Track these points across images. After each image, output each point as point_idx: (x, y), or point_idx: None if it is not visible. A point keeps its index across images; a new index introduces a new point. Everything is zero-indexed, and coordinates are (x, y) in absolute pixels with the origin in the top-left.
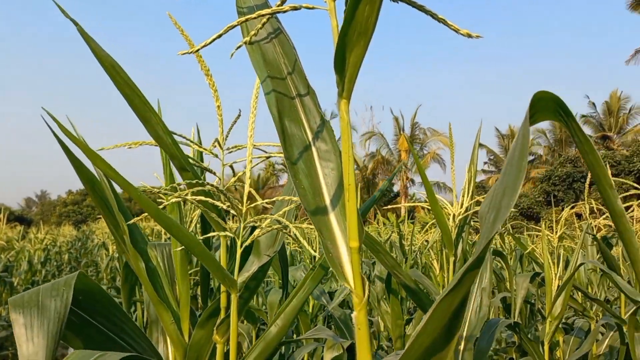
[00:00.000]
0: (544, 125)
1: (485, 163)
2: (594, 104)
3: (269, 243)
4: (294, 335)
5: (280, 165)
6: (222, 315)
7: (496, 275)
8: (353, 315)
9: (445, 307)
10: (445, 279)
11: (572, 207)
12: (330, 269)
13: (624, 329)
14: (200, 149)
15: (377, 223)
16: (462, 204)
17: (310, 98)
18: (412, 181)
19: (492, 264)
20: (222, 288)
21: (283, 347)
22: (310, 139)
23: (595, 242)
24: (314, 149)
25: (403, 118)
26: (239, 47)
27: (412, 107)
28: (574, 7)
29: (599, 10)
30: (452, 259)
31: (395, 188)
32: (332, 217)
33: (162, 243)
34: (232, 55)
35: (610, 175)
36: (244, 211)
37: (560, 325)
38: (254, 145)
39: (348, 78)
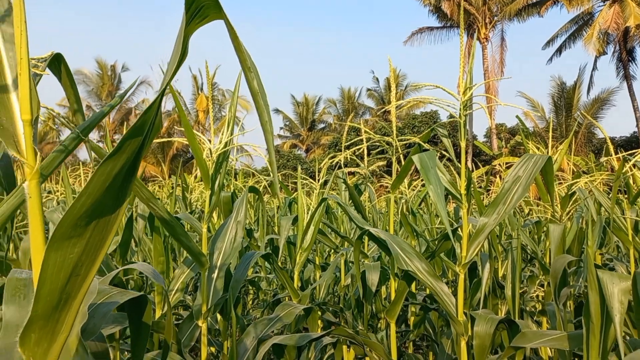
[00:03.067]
0: (335, 95)
1: (281, 128)
2: (377, 79)
3: None
4: None
5: (63, 118)
6: None
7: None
8: (25, 184)
9: (108, 169)
10: (206, 213)
11: (332, 158)
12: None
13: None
14: None
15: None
16: (221, 140)
17: None
18: (210, 142)
19: (247, 200)
20: None
21: None
22: None
23: (346, 188)
24: None
25: (202, 77)
26: None
27: (212, 67)
28: None
29: None
30: (208, 193)
31: None
32: (13, 96)
33: None
34: None
35: (250, 61)
36: None
37: (319, 264)
38: None
39: None
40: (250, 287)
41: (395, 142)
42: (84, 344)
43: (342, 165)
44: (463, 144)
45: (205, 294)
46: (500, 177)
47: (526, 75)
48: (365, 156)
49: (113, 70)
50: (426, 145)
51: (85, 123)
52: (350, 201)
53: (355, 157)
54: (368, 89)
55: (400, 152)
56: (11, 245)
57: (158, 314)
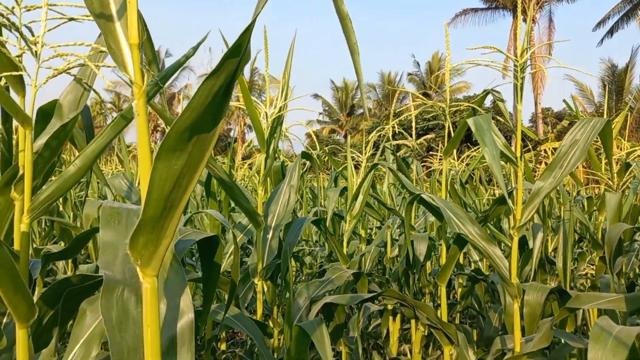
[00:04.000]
0: (374, 80)
1: (320, 114)
2: (418, 63)
3: (71, 107)
4: None
5: (109, 104)
6: (21, 172)
7: (312, 192)
8: (134, 103)
9: (209, 86)
10: (262, 175)
11: (378, 132)
12: None
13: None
14: None
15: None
16: (275, 105)
17: None
18: (250, 127)
19: (300, 167)
20: (20, 146)
21: None
22: None
23: (394, 159)
24: None
25: None
26: None
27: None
28: None
29: None
30: (263, 156)
31: (233, 134)
32: (117, 25)
33: None
34: None
35: (346, 11)
36: (39, 51)
37: (365, 237)
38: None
39: None
40: (293, 264)
41: (448, 108)
42: (177, 258)
43: (390, 138)
44: (520, 106)
45: (260, 252)
46: (545, 164)
47: (575, 58)
48: (414, 127)
49: (157, 55)
50: (480, 110)
51: (164, 72)
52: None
53: (402, 131)
54: (409, 74)
55: (450, 120)
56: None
57: None
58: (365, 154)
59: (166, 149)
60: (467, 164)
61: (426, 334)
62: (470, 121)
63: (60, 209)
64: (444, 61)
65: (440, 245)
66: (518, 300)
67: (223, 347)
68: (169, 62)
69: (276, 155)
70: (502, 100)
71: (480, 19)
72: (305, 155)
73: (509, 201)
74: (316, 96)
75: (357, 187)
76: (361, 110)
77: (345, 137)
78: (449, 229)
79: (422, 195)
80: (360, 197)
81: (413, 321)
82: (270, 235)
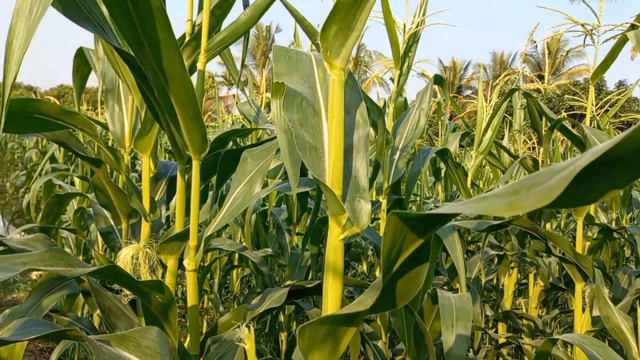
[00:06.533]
0: (485, 60)
1: None
2: (534, 40)
3: None
4: None
5: (220, 77)
6: (187, 38)
7: (431, 138)
8: None
9: None
10: (394, 92)
11: (507, 75)
12: None
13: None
14: None
15: None
16: (413, 21)
17: None
18: None
19: (431, 91)
20: (187, 15)
21: None
22: None
23: (525, 99)
24: None
25: None
26: None
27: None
28: None
29: None
30: (397, 72)
31: None
32: None
33: None
34: None
35: None
36: None
37: (482, 188)
38: None
39: None
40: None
41: (599, 27)
42: (352, 76)
43: (521, 79)
44: None
45: (387, 172)
46: None
47: None
48: (547, 63)
49: (268, 31)
50: (638, 24)
51: None
52: (527, 119)
53: (531, 75)
54: (524, 54)
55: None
56: None
57: None
58: (490, 101)
59: None
60: (607, 110)
61: (545, 289)
62: (630, 34)
63: None
64: (562, 42)
65: None
66: None
67: None
68: (277, 38)
69: (401, 93)
70: None
71: None
72: (438, 78)
73: None
74: (422, 75)
75: (489, 119)
76: (469, 91)
77: (450, 118)
78: None
79: (563, 122)
80: (489, 133)
81: (531, 276)
82: (397, 156)
